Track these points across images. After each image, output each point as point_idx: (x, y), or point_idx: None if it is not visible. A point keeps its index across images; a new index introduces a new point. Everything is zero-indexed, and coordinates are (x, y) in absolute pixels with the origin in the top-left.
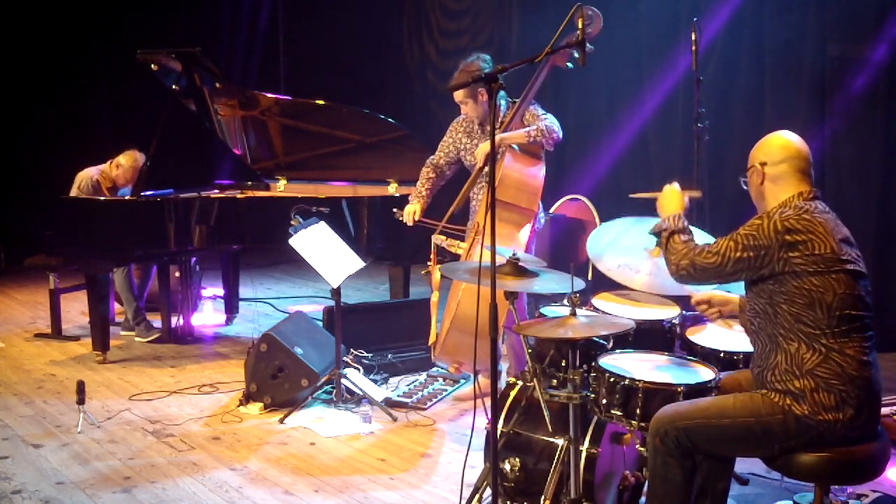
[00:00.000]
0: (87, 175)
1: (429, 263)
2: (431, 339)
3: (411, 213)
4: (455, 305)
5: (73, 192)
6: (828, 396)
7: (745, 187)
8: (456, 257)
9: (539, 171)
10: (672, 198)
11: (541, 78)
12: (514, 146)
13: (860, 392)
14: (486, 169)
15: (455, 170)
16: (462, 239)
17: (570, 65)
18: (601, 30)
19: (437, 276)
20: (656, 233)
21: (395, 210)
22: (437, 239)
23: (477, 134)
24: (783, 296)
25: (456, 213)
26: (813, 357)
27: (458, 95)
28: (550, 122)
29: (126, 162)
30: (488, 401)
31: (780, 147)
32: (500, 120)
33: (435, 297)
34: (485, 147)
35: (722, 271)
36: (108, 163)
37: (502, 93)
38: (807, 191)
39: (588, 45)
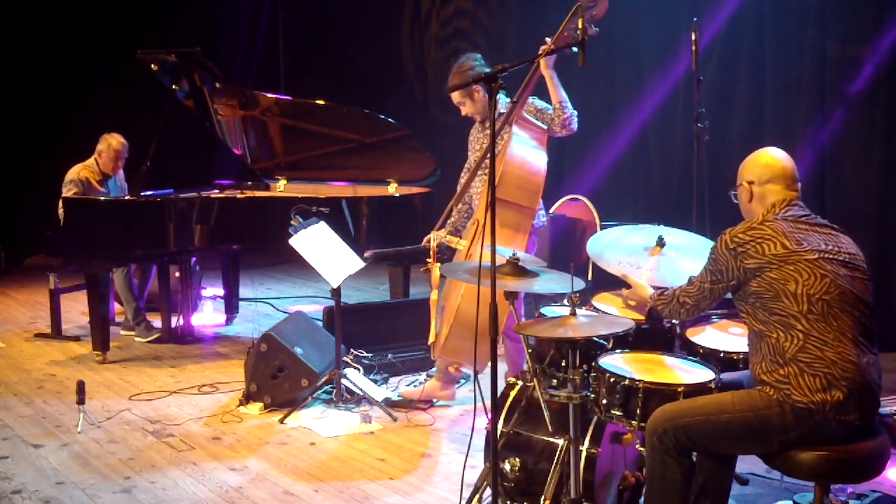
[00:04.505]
0: (75, 175)
1: (428, 261)
2: (431, 338)
3: (429, 240)
4: (455, 308)
5: (65, 193)
6: (813, 380)
7: (735, 201)
8: (454, 254)
9: (541, 167)
10: (638, 289)
11: (536, 75)
12: (521, 133)
13: (847, 375)
14: (486, 161)
15: None
16: (461, 235)
17: (575, 49)
18: (607, 11)
19: (436, 273)
20: (654, 314)
21: (421, 269)
22: (438, 235)
23: (481, 136)
24: (753, 296)
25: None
26: (792, 344)
27: (456, 97)
28: (575, 116)
29: (102, 146)
30: (488, 401)
31: (767, 166)
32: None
33: (434, 296)
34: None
35: (705, 298)
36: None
37: (502, 92)
38: (780, 200)
39: (594, 27)
